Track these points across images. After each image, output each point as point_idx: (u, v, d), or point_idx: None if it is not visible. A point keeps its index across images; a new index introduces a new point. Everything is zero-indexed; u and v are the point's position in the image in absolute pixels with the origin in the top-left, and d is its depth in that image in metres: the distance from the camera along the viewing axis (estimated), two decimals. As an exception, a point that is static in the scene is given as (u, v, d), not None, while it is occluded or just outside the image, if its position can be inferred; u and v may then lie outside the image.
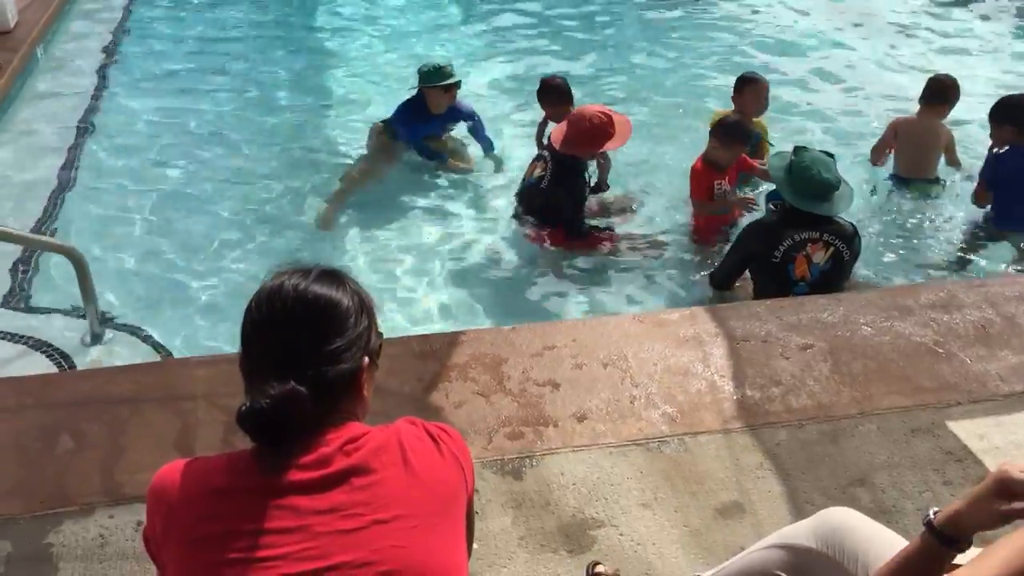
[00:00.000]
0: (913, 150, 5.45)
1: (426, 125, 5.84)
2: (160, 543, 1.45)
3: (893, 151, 5.53)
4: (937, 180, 5.47)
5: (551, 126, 5.31)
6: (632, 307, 4.53)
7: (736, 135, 4.86)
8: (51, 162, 5.88)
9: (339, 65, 7.78)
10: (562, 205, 4.83)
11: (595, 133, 4.66)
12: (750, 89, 5.28)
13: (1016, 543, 1.41)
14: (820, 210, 4.08)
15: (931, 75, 5.62)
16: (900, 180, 5.48)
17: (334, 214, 5.42)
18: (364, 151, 5.99)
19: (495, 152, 6.01)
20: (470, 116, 5.96)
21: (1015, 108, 4.95)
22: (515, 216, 5.12)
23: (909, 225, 5.25)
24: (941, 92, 5.40)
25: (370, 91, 7.22)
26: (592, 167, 5.12)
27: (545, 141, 5.22)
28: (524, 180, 5.06)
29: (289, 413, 1.39)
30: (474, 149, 6.00)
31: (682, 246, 5.03)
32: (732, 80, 5.47)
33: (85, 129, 6.40)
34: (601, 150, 4.77)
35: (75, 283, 3.99)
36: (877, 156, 5.62)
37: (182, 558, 1.41)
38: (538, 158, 4.99)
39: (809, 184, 4.05)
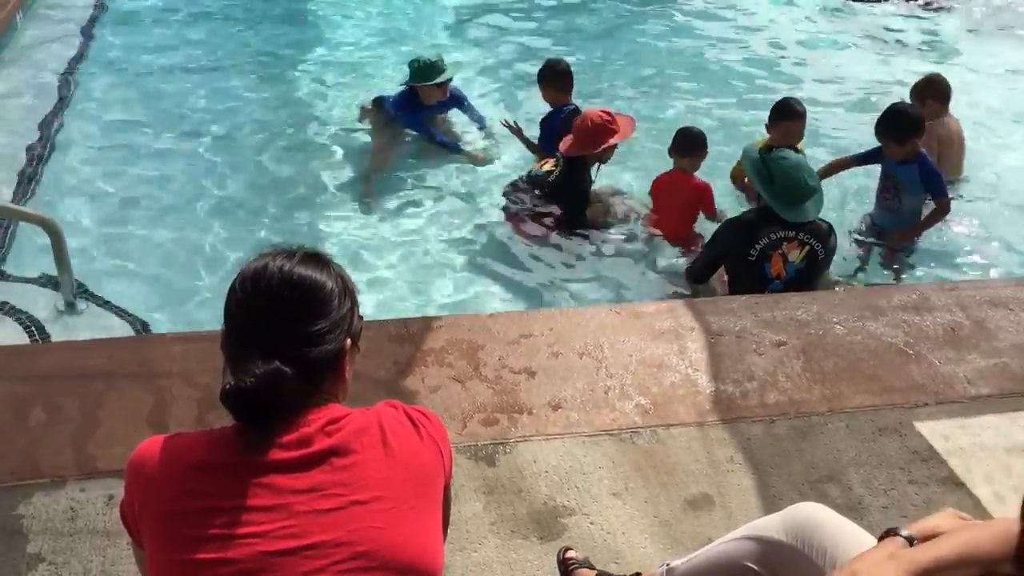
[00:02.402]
0: (954, 151, 5.53)
1: (420, 116, 5.87)
2: (138, 517, 1.46)
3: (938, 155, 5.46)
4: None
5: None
6: (609, 298, 4.56)
7: (698, 142, 5.02)
8: (28, 131, 5.81)
9: (328, 39, 7.75)
10: (563, 202, 5.00)
11: (597, 131, 4.85)
12: (784, 123, 5.13)
13: (951, 541, 1.58)
14: (804, 216, 4.10)
15: (925, 76, 5.64)
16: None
17: (372, 188, 5.49)
18: (367, 130, 6.04)
19: (487, 128, 6.09)
20: (462, 100, 6.05)
21: (914, 120, 4.83)
22: (507, 196, 5.19)
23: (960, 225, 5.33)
24: (948, 90, 5.47)
25: (356, 68, 7.21)
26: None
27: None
28: (530, 171, 5.16)
29: (273, 392, 1.39)
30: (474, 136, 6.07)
31: (659, 239, 5.05)
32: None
33: (64, 98, 6.33)
34: (605, 146, 4.89)
35: (50, 253, 3.96)
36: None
37: (160, 532, 1.41)
38: (552, 156, 5.11)
39: (796, 192, 4.07)
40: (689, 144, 5.02)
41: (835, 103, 6.89)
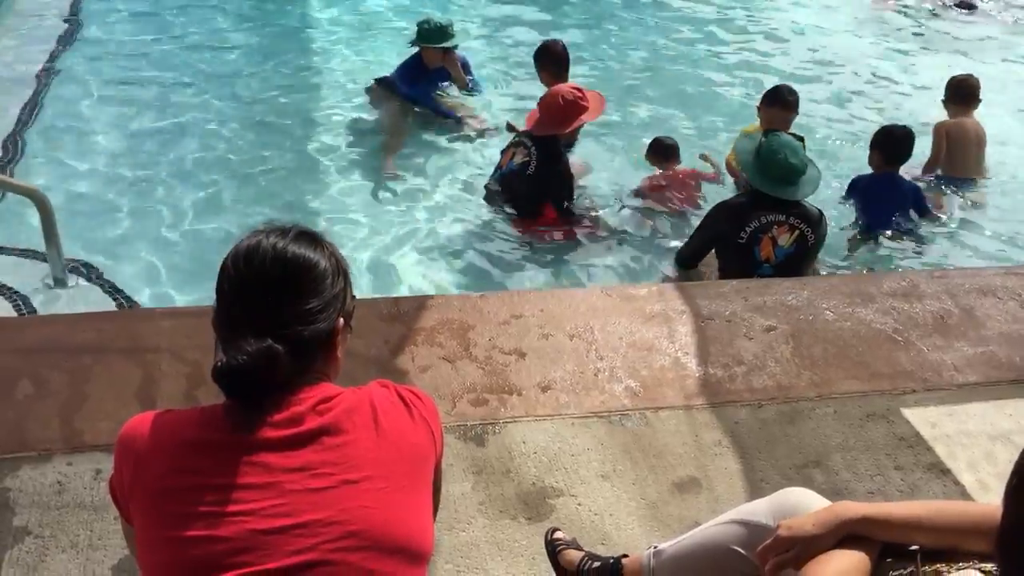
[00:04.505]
0: (970, 150, 5.57)
1: (427, 82, 5.86)
2: (127, 493, 1.45)
3: (944, 154, 5.58)
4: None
5: None
6: (600, 280, 4.55)
7: (673, 150, 5.40)
8: (16, 101, 5.75)
9: (327, 16, 7.66)
10: (551, 189, 4.82)
11: (569, 109, 4.67)
12: (769, 110, 5.18)
13: (921, 505, 1.72)
14: (785, 194, 4.13)
15: (953, 76, 5.74)
16: (955, 180, 5.55)
17: (392, 165, 5.47)
18: (369, 108, 6.03)
19: (483, 94, 6.12)
20: (467, 67, 6.07)
21: (887, 138, 5.03)
22: (490, 201, 5.04)
23: (971, 221, 5.35)
24: (973, 92, 5.59)
25: (353, 45, 7.15)
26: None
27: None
28: (500, 168, 4.93)
29: (265, 371, 1.39)
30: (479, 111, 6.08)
31: (650, 223, 5.05)
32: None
33: (52, 68, 6.27)
34: (574, 126, 4.78)
35: (37, 226, 3.93)
36: (934, 165, 5.59)
37: (150, 509, 1.41)
38: (515, 144, 4.87)
39: (776, 168, 4.09)
40: (665, 151, 5.38)
41: (862, 101, 6.84)
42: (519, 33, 7.51)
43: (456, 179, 5.41)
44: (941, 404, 3.16)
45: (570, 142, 4.95)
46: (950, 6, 9.09)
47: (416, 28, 5.77)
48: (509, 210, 4.93)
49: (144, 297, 4.16)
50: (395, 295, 4.08)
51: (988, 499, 2.70)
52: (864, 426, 3.02)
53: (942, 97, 5.74)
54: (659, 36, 7.80)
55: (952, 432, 3.03)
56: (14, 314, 3.79)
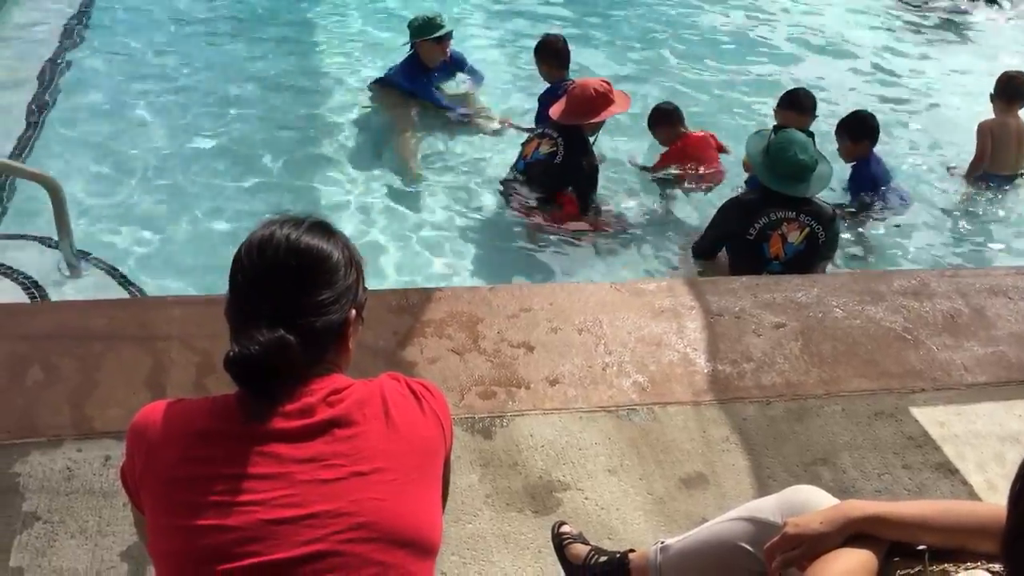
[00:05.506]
0: (1011, 148, 5.58)
1: (428, 80, 5.85)
2: (139, 481, 1.46)
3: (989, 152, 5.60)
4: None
5: None
6: (610, 275, 4.55)
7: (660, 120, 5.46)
8: (29, 90, 5.77)
9: (339, 13, 7.67)
10: (578, 179, 4.83)
11: (598, 101, 4.73)
12: (785, 113, 5.21)
13: (929, 505, 1.73)
14: (795, 192, 4.12)
15: (1004, 72, 5.74)
16: (995, 178, 5.59)
17: (416, 166, 5.46)
18: (374, 106, 6.02)
19: (484, 85, 6.19)
20: (463, 64, 6.10)
21: (864, 124, 5.15)
22: (508, 192, 5.01)
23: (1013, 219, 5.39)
24: (1021, 90, 5.59)
25: (359, 44, 7.15)
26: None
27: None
28: (524, 157, 4.93)
29: (278, 361, 1.39)
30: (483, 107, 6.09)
31: (661, 219, 5.04)
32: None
33: (64, 58, 6.28)
34: (602, 117, 4.80)
35: (50, 212, 3.94)
36: (980, 164, 5.62)
37: (160, 497, 1.41)
38: (540, 135, 4.90)
39: (785, 165, 4.08)
40: (669, 116, 5.40)
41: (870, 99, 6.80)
42: (519, 28, 7.50)
43: (462, 172, 5.42)
44: (950, 404, 3.15)
45: (594, 133, 4.94)
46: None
47: (408, 29, 5.78)
48: (531, 201, 4.92)
49: (154, 285, 4.17)
50: (404, 287, 4.09)
51: (996, 499, 2.69)
52: (872, 425, 3.02)
53: (991, 91, 5.73)
54: (668, 35, 7.77)
55: (961, 432, 3.02)
56: (26, 300, 3.81)
